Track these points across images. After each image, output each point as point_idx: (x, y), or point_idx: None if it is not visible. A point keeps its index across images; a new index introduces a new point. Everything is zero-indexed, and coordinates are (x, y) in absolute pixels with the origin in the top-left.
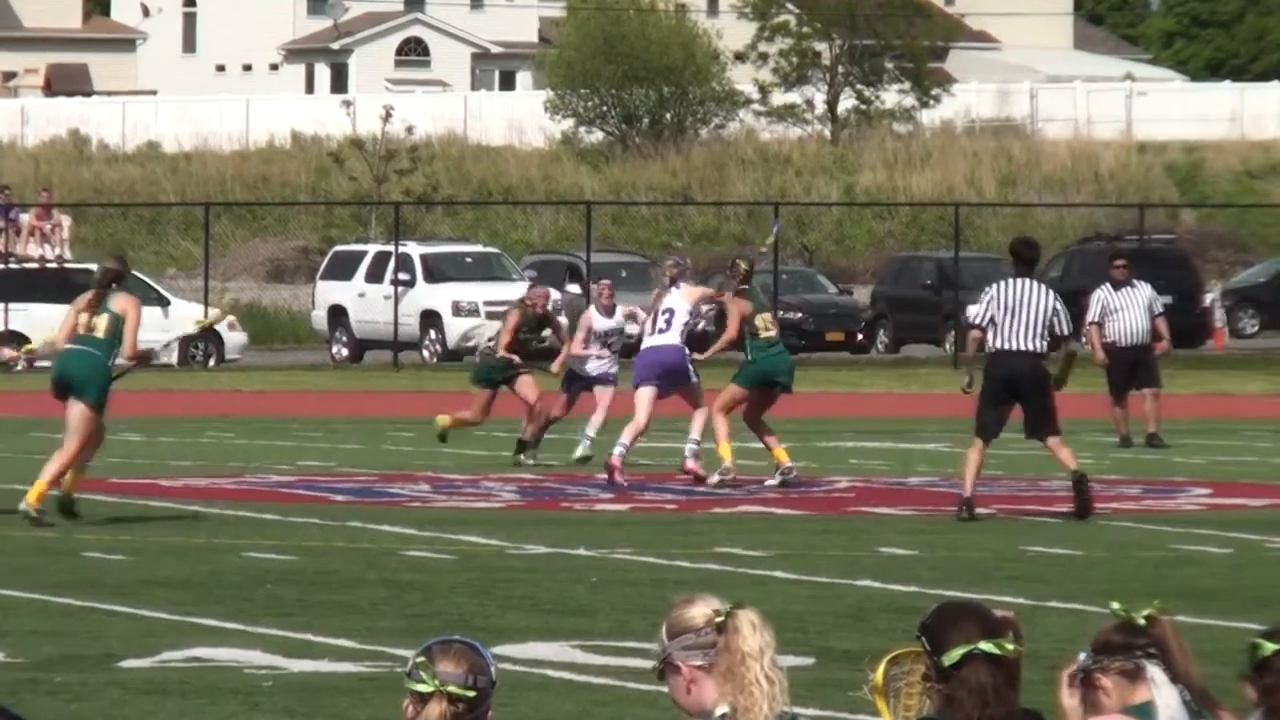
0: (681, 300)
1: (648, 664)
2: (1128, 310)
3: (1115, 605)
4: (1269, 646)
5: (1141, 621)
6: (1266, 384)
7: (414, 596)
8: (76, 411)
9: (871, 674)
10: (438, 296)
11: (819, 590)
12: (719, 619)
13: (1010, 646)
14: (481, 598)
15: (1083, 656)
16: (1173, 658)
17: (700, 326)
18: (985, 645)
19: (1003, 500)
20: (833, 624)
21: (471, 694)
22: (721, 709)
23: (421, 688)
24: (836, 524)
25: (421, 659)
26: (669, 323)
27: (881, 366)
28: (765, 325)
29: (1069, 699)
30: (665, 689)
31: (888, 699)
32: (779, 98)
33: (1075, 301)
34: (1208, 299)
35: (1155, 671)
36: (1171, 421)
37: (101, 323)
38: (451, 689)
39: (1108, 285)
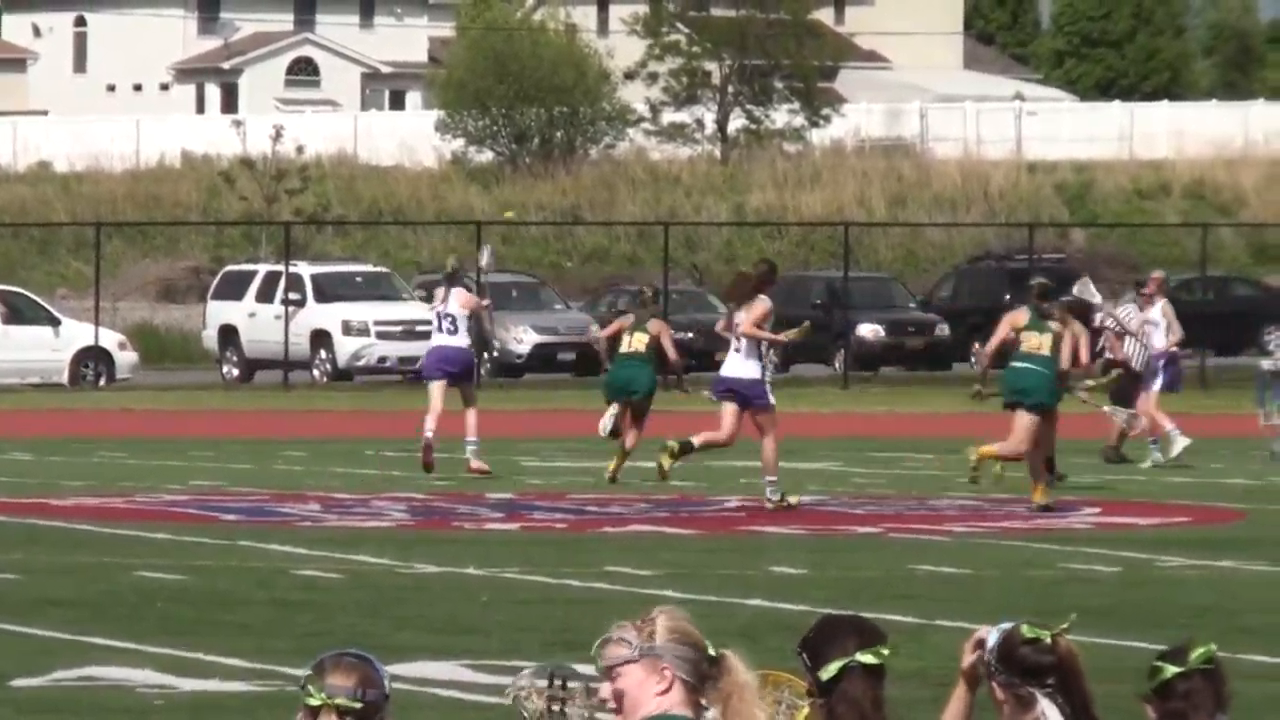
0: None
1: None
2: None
3: (1025, 627)
4: (1171, 669)
5: (1048, 640)
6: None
7: (305, 616)
8: None
9: None
10: (328, 316)
11: (709, 609)
12: (713, 653)
13: (887, 652)
14: (372, 617)
15: (993, 639)
16: (1074, 677)
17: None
18: (862, 657)
19: (892, 520)
20: (722, 643)
21: (358, 706)
22: None
23: (311, 700)
24: (727, 543)
25: (312, 672)
26: (455, 325)
27: (772, 386)
28: (628, 342)
29: (966, 661)
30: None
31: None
32: (669, 117)
33: (965, 319)
34: (1098, 318)
35: (1048, 706)
36: (1060, 441)
37: None
38: (339, 701)
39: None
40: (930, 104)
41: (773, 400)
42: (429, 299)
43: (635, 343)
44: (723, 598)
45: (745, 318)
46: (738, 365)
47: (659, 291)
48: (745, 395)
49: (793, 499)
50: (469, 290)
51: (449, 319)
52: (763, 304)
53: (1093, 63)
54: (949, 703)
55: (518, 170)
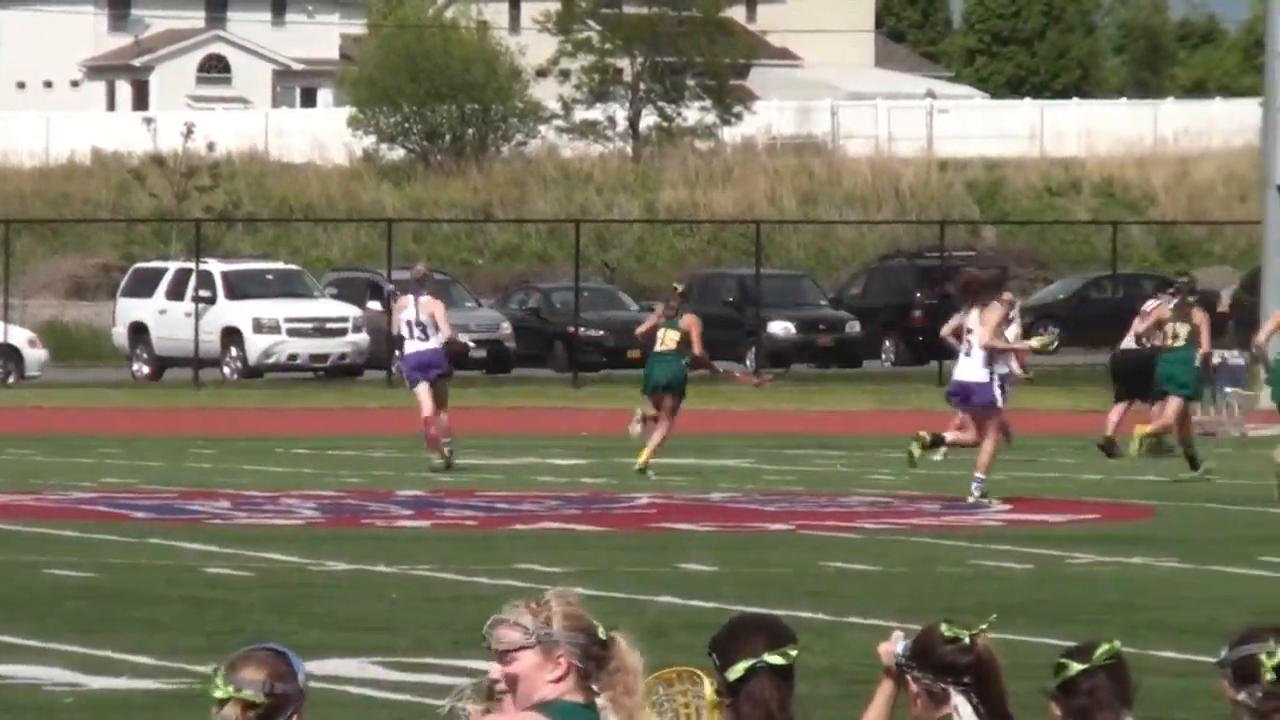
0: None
1: (449, 680)
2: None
3: (944, 626)
4: (1075, 666)
5: (967, 640)
6: (1066, 400)
7: (215, 613)
8: None
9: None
10: (239, 313)
11: (619, 606)
12: (604, 636)
13: (795, 653)
14: (282, 614)
15: (900, 648)
16: (991, 676)
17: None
18: (770, 658)
19: (803, 517)
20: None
21: (264, 700)
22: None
23: (216, 694)
24: (637, 540)
25: (224, 665)
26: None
27: None
28: (662, 339)
29: (884, 653)
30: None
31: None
32: (581, 114)
33: (876, 317)
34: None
35: (961, 702)
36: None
37: None
38: (244, 695)
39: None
40: (841, 102)
41: (1000, 404)
42: (384, 301)
43: (668, 340)
44: (633, 595)
45: (981, 327)
46: (968, 368)
47: (691, 288)
48: (976, 399)
49: (992, 501)
50: (435, 295)
51: (420, 326)
52: (997, 310)
53: (1004, 60)
54: (873, 697)
55: (429, 168)
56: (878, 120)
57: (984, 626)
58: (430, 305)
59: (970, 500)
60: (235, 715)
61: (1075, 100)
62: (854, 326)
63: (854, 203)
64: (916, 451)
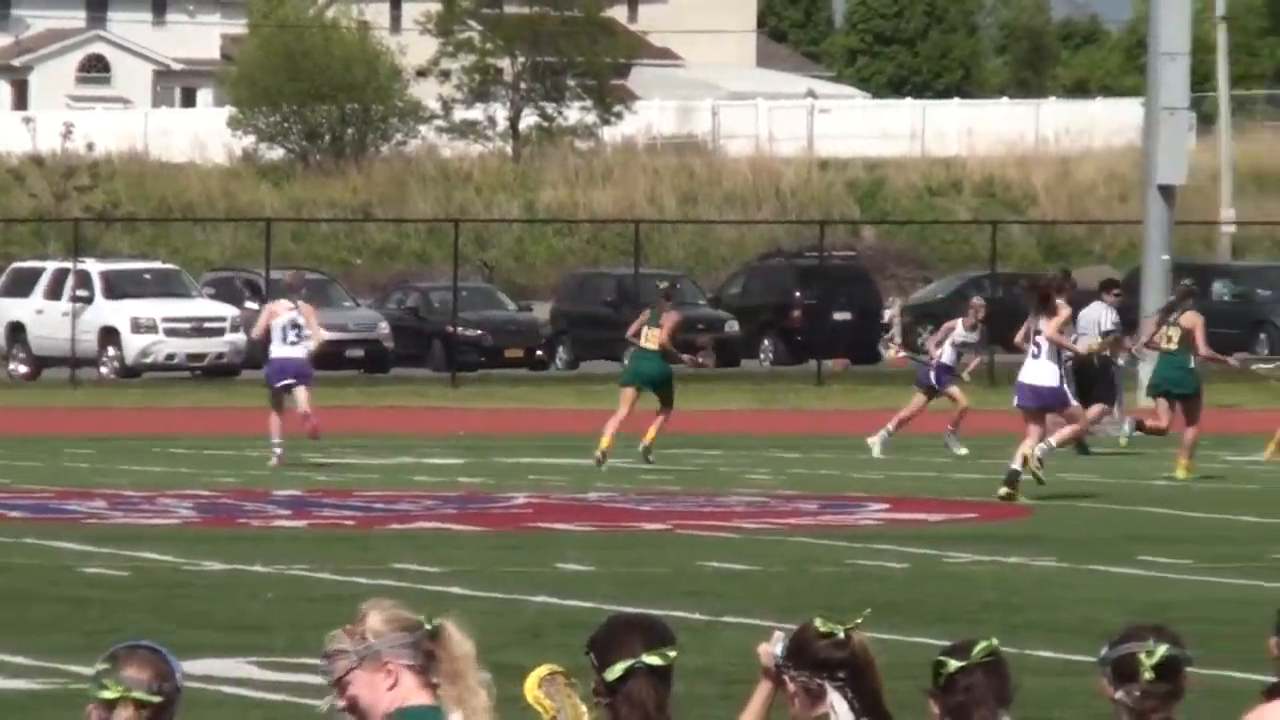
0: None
1: (323, 681)
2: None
3: (819, 621)
4: (953, 664)
5: (841, 635)
6: (944, 399)
7: (91, 613)
8: None
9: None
10: (117, 313)
11: (496, 606)
12: (431, 627)
13: (673, 654)
14: (159, 614)
15: (778, 650)
16: (866, 672)
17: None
18: (648, 658)
19: (680, 516)
20: (510, 640)
21: (157, 699)
22: (454, 715)
23: (106, 694)
24: (514, 540)
25: (106, 665)
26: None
27: (561, 383)
28: (645, 336)
29: (764, 654)
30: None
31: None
32: (461, 114)
33: (755, 317)
34: (887, 315)
35: (837, 699)
36: (850, 437)
37: None
38: (137, 694)
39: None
40: (722, 102)
41: (1075, 401)
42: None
43: (651, 337)
44: (510, 595)
45: (1047, 325)
46: (1036, 371)
47: (676, 287)
48: (1047, 402)
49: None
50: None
51: (295, 329)
52: (1064, 310)
53: (885, 60)
54: (751, 697)
55: (309, 167)
56: (758, 120)
57: (858, 621)
58: (306, 311)
59: (1029, 466)
60: (128, 715)
61: (957, 100)
62: (733, 326)
63: (734, 202)
64: (1039, 470)
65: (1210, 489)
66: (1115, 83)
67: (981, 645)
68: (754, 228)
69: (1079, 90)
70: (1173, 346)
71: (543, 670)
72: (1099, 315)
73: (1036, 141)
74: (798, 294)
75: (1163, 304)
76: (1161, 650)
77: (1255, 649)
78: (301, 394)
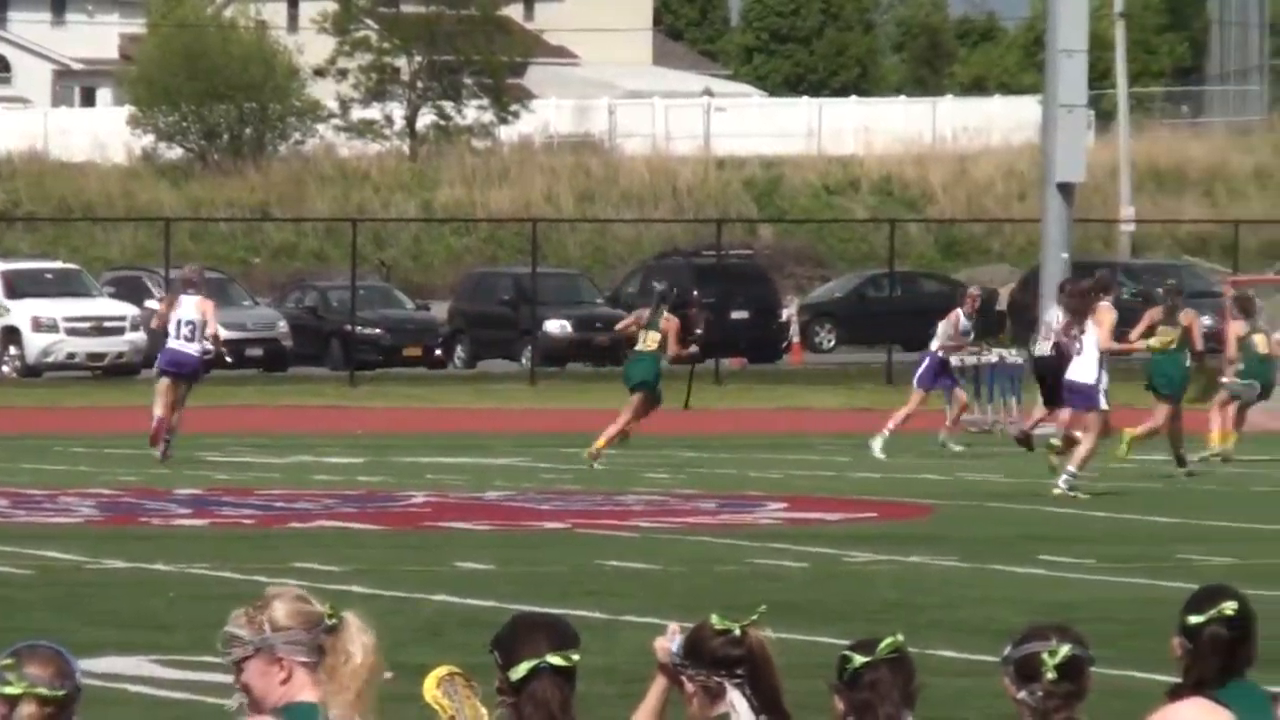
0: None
1: (226, 679)
2: None
3: (715, 619)
4: (858, 659)
5: (738, 632)
6: (843, 398)
7: None
8: None
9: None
10: (18, 312)
11: (395, 605)
12: (331, 621)
13: (577, 656)
14: (61, 612)
15: (675, 646)
16: (764, 669)
17: None
18: (553, 658)
19: (579, 515)
20: (409, 638)
21: (60, 694)
22: (334, 712)
23: (9, 690)
24: (413, 539)
25: (8, 662)
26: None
27: (459, 382)
28: (643, 339)
29: (660, 648)
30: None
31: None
32: (359, 113)
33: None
34: (785, 314)
35: (736, 696)
36: (749, 436)
37: None
38: (40, 691)
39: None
40: (619, 100)
41: (1105, 406)
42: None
43: (649, 340)
44: (409, 593)
45: (1097, 329)
46: (1078, 368)
47: (673, 289)
48: (1082, 396)
49: (1082, 496)
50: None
51: (190, 325)
52: (1110, 312)
53: (782, 59)
54: (646, 695)
55: (207, 167)
56: (655, 118)
57: (754, 618)
58: (203, 306)
59: (1056, 493)
60: (31, 711)
61: (854, 98)
62: None
63: (631, 201)
64: (1054, 460)
65: (1113, 488)
66: (1013, 80)
67: (887, 642)
68: (651, 226)
69: (976, 88)
70: (1173, 346)
71: (441, 671)
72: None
73: (934, 140)
74: (695, 293)
75: (1161, 303)
76: (1064, 650)
77: (1158, 649)
78: (181, 390)
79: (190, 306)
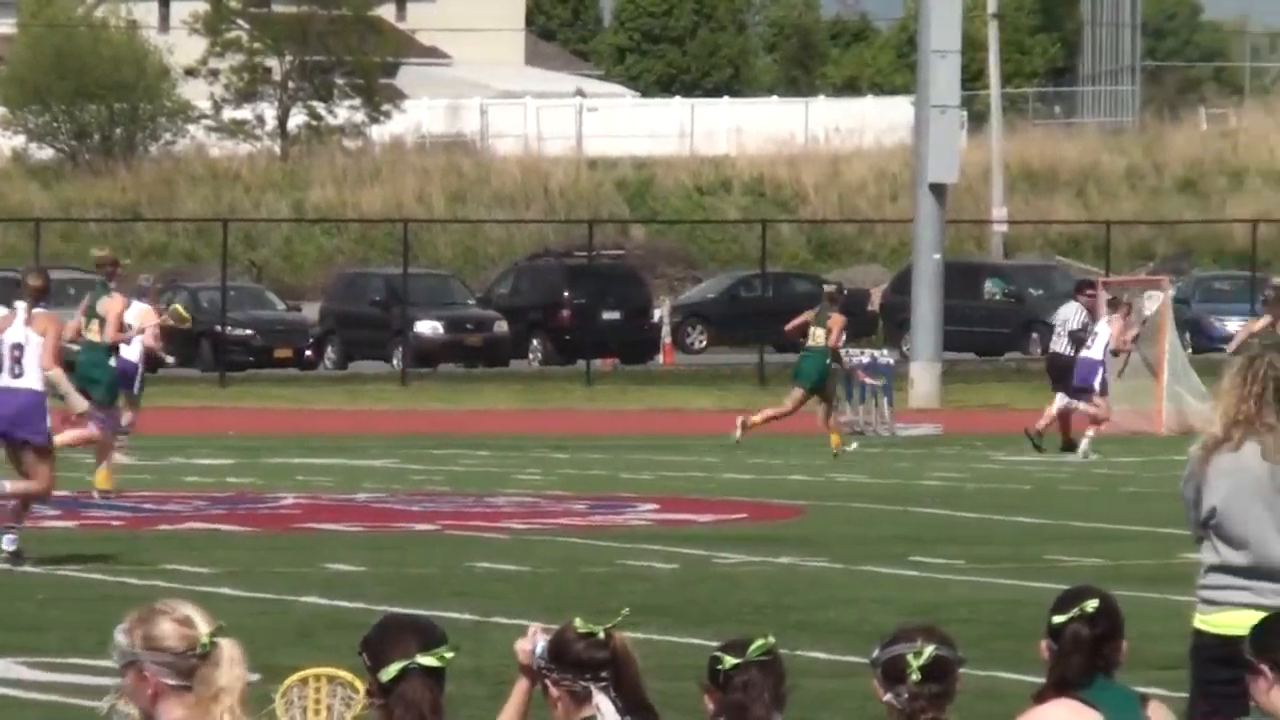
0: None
1: (95, 680)
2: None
3: (578, 622)
4: (730, 660)
5: (601, 635)
6: (714, 399)
7: None
8: None
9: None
10: None
11: (265, 607)
12: (203, 649)
13: (450, 655)
14: None
15: (536, 648)
16: (628, 671)
17: None
18: (423, 659)
19: (449, 517)
20: (278, 640)
21: None
22: None
23: None
24: (283, 540)
25: None
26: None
27: (329, 383)
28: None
29: (521, 651)
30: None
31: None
32: (230, 114)
33: (524, 316)
34: (657, 314)
35: (602, 699)
36: (620, 437)
37: None
38: None
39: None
40: (491, 100)
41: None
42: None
43: (817, 337)
44: (279, 595)
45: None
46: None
47: (843, 289)
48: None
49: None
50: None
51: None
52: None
53: (654, 59)
54: (509, 698)
55: (78, 167)
56: (527, 119)
57: (617, 620)
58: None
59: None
60: None
61: (726, 99)
62: (501, 326)
63: (503, 201)
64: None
65: (983, 489)
66: (886, 81)
67: (758, 643)
68: (523, 227)
69: (849, 88)
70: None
71: (293, 678)
72: (1069, 314)
73: (806, 140)
74: (566, 293)
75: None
76: (929, 651)
77: (1026, 650)
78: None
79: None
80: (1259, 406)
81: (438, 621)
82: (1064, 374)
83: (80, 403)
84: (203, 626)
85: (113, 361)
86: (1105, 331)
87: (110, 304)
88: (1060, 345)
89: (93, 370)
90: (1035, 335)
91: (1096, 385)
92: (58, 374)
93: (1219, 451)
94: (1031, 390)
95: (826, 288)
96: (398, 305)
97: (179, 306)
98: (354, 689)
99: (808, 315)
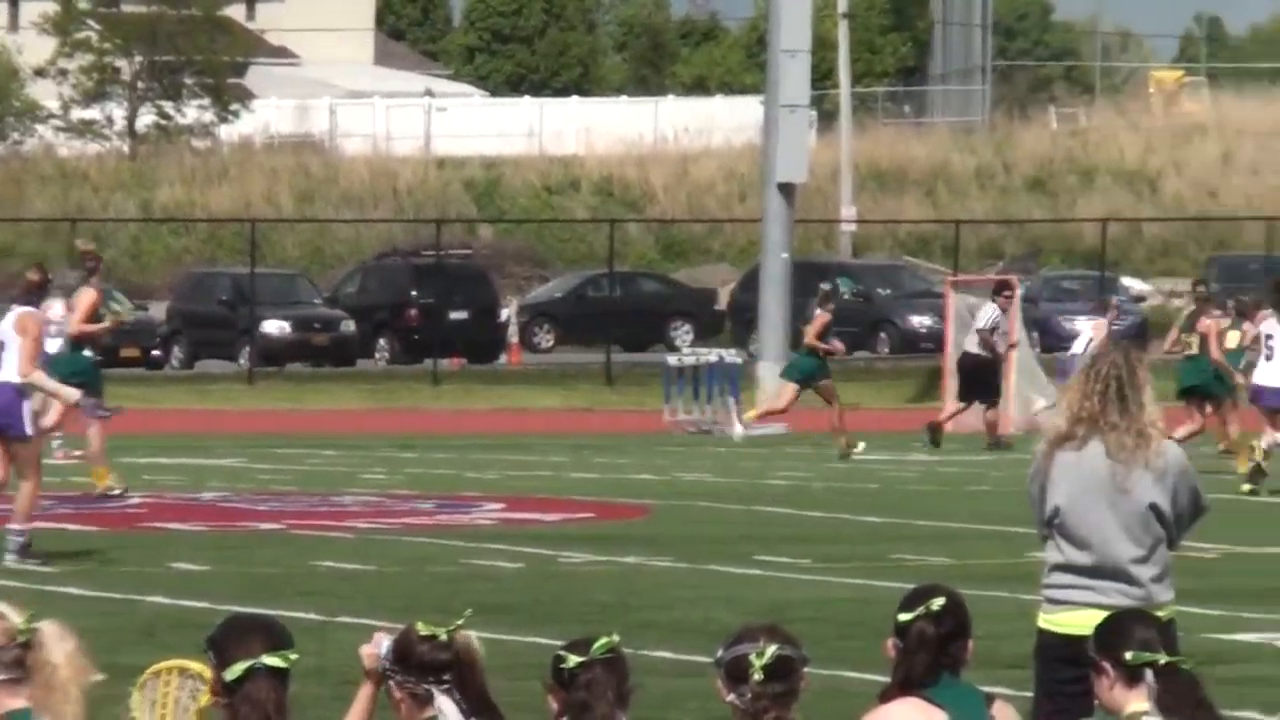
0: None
1: None
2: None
3: (420, 625)
4: (574, 659)
5: (444, 636)
6: (561, 398)
7: None
8: None
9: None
10: None
11: (110, 606)
12: (23, 637)
13: (295, 656)
14: None
15: (385, 647)
16: (471, 672)
17: None
18: (268, 659)
19: (295, 516)
20: (122, 640)
21: None
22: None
23: None
24: (129, 540)
25: None
26: None
27: (176, 382)
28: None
29: (366, 655)
30: None
31: (146, 712)
32: (79, 113)
33: (371, 316)
34: (504, 314)
35: (444, 701)
36: (467, 436)
37: None
38: None
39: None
40: (340, 100)
41: None
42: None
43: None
44: (125, 595)
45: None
46: (1267, 373)
47: (836, 288)
48: (1262, 398)
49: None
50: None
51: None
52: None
53: (503, 58)
54: (354, 700)
55: None
56: (375, 119)
57: (459, 623)
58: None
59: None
60: None
61: (575, 98)
62: (349, 325)
63: (351, 201)
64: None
65: (830, 489)
66: (735, 80)
67: (602, 641)
68: (371, 227)
69: (699, 88)
70: (1193, 351)
71: (149, 671)
72: (987, 315)
73: (655, 140)
74: (414, 293)
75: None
76: (772, 651)
77: (871, 649)
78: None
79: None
80: (1103, 404)
81: (283, 621)
82: (972, 374)
83: (71, 393)
84: (14, 617)
85: (88, 351)
86: (1087, 330)
87: (82, 296)
88: (972, 345)
89: (70, 365)
90: (883, 335)
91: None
92: (38, 376)
93: (1063, 449)
94: (879, 389)
95: (823, 287)
96: (245, 305)
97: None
98: (203, 679)
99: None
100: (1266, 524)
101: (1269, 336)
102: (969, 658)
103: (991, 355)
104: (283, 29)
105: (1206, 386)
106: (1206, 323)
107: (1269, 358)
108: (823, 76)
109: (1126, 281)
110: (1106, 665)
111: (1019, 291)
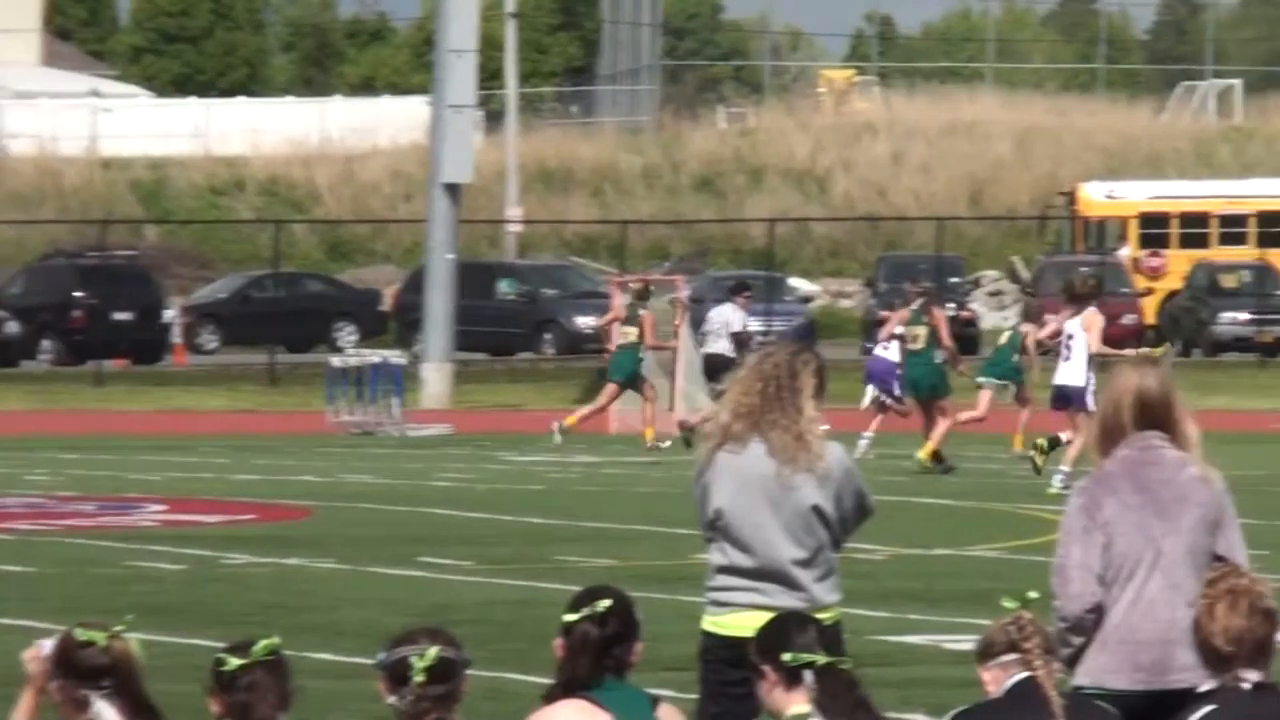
0: None
1: None
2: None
3: (78, 630)
4: (234, 662)
5: (103, 642)
6: (225, 400)
7: None
8: None
9: None
10: None
11: None
12: None
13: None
14: None
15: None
16: (130, 677)
17: None
18: None
19: None
20: None
21: None
22: None
23: None
24: None
25: None
26: None
27: None
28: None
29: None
30: None
31: None
32: None
33: (34, 316)
34: (168, 315)
35: (104, 707)
36: (130, 438)
37: None
38: None
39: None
40: (6, 101)
41: (1093, 407)
42: None
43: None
44: None
45: (1087, 333)
46: (1067, 372)
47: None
48: (1074, 398)
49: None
50: None
51: None
52: (1099, 317)
53: (171, 59)
54: (16, 706)
55: None
56: (41, 119)
57: (119, 628)
58: None
59: (1053, 490)
60: None
61: (242, 98)
62: (12, 326)
63: (16, 202)
64: (1040, 460)
65: (494, 490)
66: (403, 80)
67: (263, 644)
68: (36, 228)
69: (366, 88)
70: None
71: None
72: (729, 317)
73: (322, 140)
74: (78, 294)
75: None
76: (433, 653)
77: (534, 650)
78: None
79: None
80: (764, 402)
81: None
82: (718, 373)
83: None
84: None
85: None
86: (1082, 338)
87: None
88: (719, 346)
89: None
90: (548, 335)
91: (1089, 404)
92: None
93: (725, 449)
94: (543, 390)
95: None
96: None
97: None
98: None
99: (902, 313)
100: (934, 526)
101: (1069, 336)
102: (635, 660)
103: (738, 355)
104: None
105: (934, 385)
106: (937, 313)
107: (1067, 359)
108: (490, 76)
109: (794, 282)
110: (766, 669)
111: (685, 292)
